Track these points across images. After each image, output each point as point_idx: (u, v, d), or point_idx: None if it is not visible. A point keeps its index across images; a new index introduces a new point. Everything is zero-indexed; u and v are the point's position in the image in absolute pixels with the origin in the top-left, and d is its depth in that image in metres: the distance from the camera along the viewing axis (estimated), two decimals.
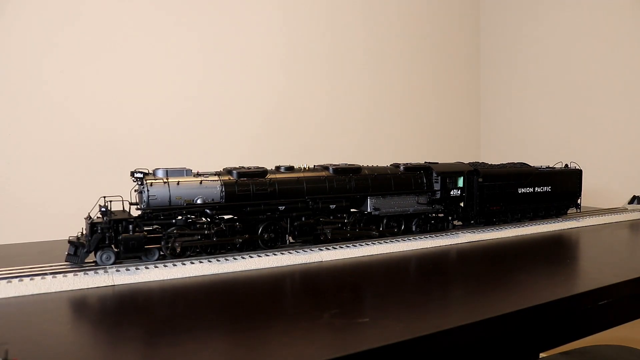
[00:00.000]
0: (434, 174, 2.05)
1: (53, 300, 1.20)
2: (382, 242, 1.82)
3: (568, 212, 2.58)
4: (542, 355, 2.03)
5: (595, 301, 1.26)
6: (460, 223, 2.22)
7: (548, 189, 2.40)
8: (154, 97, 2.59)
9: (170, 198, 1.50)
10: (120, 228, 1.43)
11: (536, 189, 2.36)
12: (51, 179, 2.32)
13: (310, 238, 1.76)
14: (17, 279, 1.27)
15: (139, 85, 2.55)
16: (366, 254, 1.70)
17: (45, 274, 1.31)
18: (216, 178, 1.60)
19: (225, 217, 1.63)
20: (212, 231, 1.55)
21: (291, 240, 1.77)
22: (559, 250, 1.89)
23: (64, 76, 2.36)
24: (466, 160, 2.33)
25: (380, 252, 1.73)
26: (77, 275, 1.31)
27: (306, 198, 1.74)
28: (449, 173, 2.08)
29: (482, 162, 2.34)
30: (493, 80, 4.01)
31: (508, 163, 2.48)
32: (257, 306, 1.19)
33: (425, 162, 2.11)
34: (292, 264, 1.56)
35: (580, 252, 1.92)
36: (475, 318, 1.02)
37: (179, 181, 1.53)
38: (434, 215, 2.08)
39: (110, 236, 1.41)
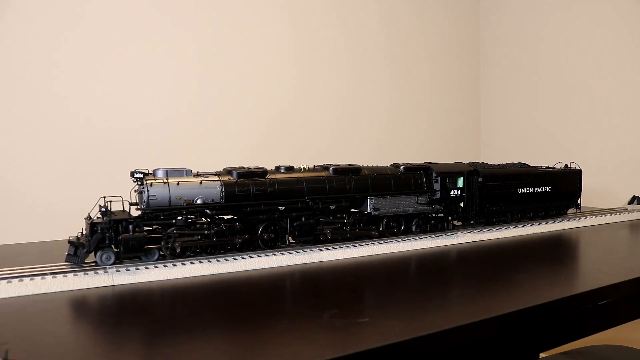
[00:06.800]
0: (434, 174, 2.05)
1: (53, 300, 1.20)
2: (382, 242, 1.82)
3: (568, 212, 2.58)
4: (542, 355, 2.03)
5: (595, 301, 1.26)
6: (460, 223, 2.22)
7: (548, 189, 2.40)
8: (154, 97, 2.59)
9: (170, 198, 1.50)
10: (120, 228, 1.43)
11: (536, 189, 2.36)
12: (51, 179, 2.32)
13: (310, 238, 1.76)
14: (17, 279, 1.27)
15: (139, 85, 2.55)
16: (366, 254, 1.70)
17: (45, 274, 1.31)
18: (216, 178, 1.60)
19: (225, 217, 1.63)
20: (212, 231, 1.55)
21: (291, 241, 1.77)
22: (559, 250, 1.89)
23: (64, 76, 2.36)
24: (466, 160, 2.33)
25: (380, 252, 1.73)
26: (77, 275, 1.31)
27: (306, 198, 1.74)
28: (448, 173, 2.08)
29: (482, 162, 2.34)
30: (493, 80, 4.01)
31: (508, 163, 2.48)
32: (257, 306, 1.19)
33: (425, 162, 2.12)
34: (292, 264, 1.56)
35: (580, 252, 1.92)
36: (475, 318, 1.02)
37: (179, 181, 1.53)
38: (433, 215, 2.08)
39: (110, 236, 1.41)
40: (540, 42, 3.67)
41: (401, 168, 2.01)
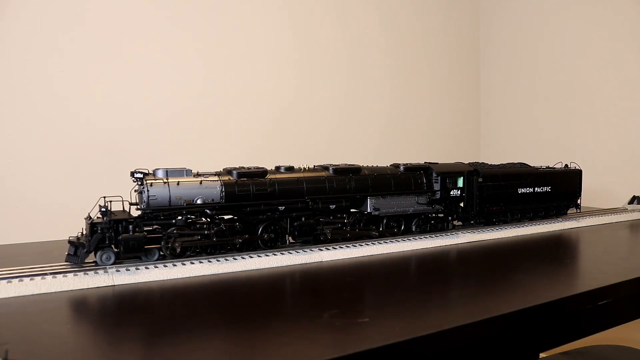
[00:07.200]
0: (434, 174, 2.05)
1: (53, 300, 1.20)
2: (382, 242, 1.82)
3: (568, 212, 2.58)
4: (542, 355, 2.03)
5: (595, 301, 1.26)
6: (460, 223, 2.22)
7: (548, 189, 2.40)
8: (154, 97, 2.59)
9: (170, 198, 1.50)
10: (120, 228, 1.43)
11: (536, 189, 2.36)
12: (51, 178, 2.32)
13: (310, 238, 1.76)
14: (17, 279, 1.27)
15: (139, 85, 2.55)
16: (366, 254, 1.70)
17: (45, 274, 1.31)
18: (216, 178, 1.60)
19: (225, 217, 1.63)
20: (212, 231, 1.55)
21: (291, 241, 1.77)
22: (559, 250, 1.89)
23: (64, 76, 2.36)
24: (466, 160, 2.33)
25: (380, 252, 1.73)
26: (77, 275, 1.31)
27: (306, 198, 1.74)
28: (448, 173, 2.08)
29: (482, 162, 2.34)
30: (493, 80, 4.01)
31: (508, 163, 2.48)
32: (257, 306, 1.19)
33: (425, 162, 2.12)
34: (292, 264, 1.56)
35: (580, 252, 1.92)
36: (475, 318, 1.02)
37: (179, 181, 1.53)
38: (433, 215, 2.08)
39: (110, 236, 1.41)
40: (541, 42, 3.67)
41: (401, 168, 2.01)
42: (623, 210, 2.78)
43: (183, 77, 2.68)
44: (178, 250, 1.50)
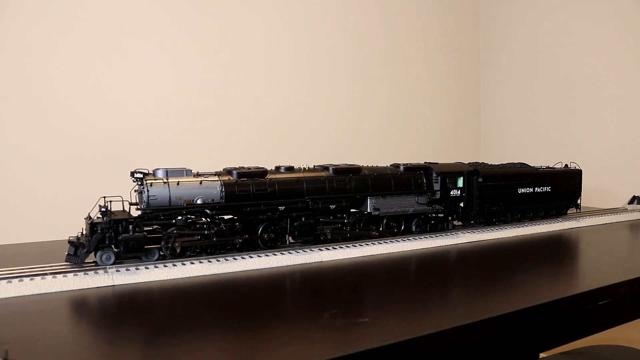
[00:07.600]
0: (434, 174, 2.05)
1: (53, 300, 1.20)
2: (382, 242, 1.82)
3: (568, 212, 2.58)
4: (542, 355, 2.03)
5: (595, 301, 1.26)
6: (460, 223, 2.22)
7: (548, 189, 2.40)
8: (154, 97, 2.59)
9: (170, 198, 1.50)
10: (120, 228, 1.43)
11: (536, 189, 2.36)
12: (51, 179, 2.32)
13: (310, 238, 1.76)
14: (17, 279, 1.27)
15: (139, 85, 2.55)
16: (366, 254, 1.70)
17: (45, 274, 1.31)
18: (216, 178, 1.60)
19: (225, 217, 1.63)
20: (212, 231, 1.55)
21: (291, 241, 1.77)
22: (559, 250, 1.89)
23: (64, 76, 2.35)
24: (466, 160, 2.33)
25: (380, 252, 1.73)
26: (77, 275, 1.31)
27: (306, 198, 1.74)
28: (448, 173, 2.08)
29: (482, 162, 2.34)
30: (493, 80, 4.01)
31: (508, 163, 2.48)
32: (257, 306, 1.19)
33: (425, 162, 2.12)
34: (292, 264, 1.56)
35: (580, 252, 1.92)
36: (475, 318, 1.02)
37: (179, 181, 1.53)
38: (434, 215, 2.08)
39: (110, 236, 1.41)
40: (540, 42, 3.67)
41: (401, 168, 2.01)
42: (623, 210, 2.78)
43: (183, 77, 2.68)
44: (178, 250, 1.50)
